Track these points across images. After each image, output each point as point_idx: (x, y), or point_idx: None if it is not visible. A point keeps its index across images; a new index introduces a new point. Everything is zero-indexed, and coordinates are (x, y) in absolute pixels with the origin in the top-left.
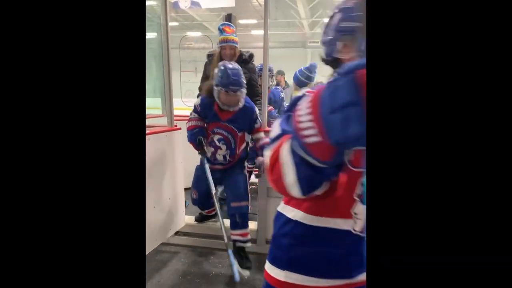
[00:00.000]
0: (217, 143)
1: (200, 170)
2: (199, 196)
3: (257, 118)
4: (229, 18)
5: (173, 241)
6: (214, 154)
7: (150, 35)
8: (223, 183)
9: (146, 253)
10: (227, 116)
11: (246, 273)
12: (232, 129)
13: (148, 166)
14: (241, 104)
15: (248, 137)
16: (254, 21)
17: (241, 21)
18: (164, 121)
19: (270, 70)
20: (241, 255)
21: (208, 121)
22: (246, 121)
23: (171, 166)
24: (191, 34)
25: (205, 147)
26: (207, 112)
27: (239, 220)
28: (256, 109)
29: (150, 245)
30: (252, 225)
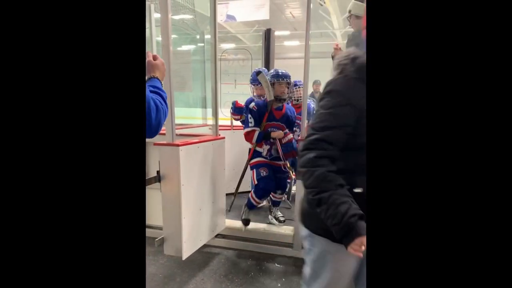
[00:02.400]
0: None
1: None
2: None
3: (295, 122)
4: (268, 32)
5: (214, 243)
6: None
7: (189, 47)
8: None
9: (192, 252)
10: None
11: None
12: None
13: (196, 172)
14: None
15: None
16: (287, 32)
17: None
18: (204, 130)
19: (296, 84)
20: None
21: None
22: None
23: (215, 173)
24: (224, 46)
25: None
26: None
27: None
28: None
29: (194, 246)
30: (289, 230)
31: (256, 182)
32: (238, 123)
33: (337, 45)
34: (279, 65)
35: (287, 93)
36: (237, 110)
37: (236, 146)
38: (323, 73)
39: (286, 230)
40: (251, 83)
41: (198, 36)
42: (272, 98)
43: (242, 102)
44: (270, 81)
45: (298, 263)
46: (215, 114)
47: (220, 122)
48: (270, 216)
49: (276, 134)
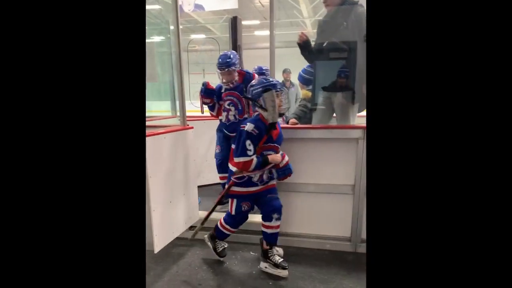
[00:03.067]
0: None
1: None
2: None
3: None
4: (234, 21)
5: (188, 235)
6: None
7: (157, 38)
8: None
9: (164, 245)
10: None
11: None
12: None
13: (164, 163)
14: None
15: None
16: (257, 22)
17: (244, 23)
18: (175, 122)
19: (263, 73)
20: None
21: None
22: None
23: (185, 164)
24: (194, 36)
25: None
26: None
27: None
28: None
29: (167, 239)
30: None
31: (233, 213)
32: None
33: (302, 33)
34: (248, 55)
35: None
36: (207, 92)
37: (208, 136)
38: (293, 61)
39: (259, 218)
40: (218, 67)
41: (166, 27)
42: (276, 119)
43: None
44: (263, 89)
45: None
46: (182, 104)
47: (191, 114)
48: (264, 264)
49: (275, 158)
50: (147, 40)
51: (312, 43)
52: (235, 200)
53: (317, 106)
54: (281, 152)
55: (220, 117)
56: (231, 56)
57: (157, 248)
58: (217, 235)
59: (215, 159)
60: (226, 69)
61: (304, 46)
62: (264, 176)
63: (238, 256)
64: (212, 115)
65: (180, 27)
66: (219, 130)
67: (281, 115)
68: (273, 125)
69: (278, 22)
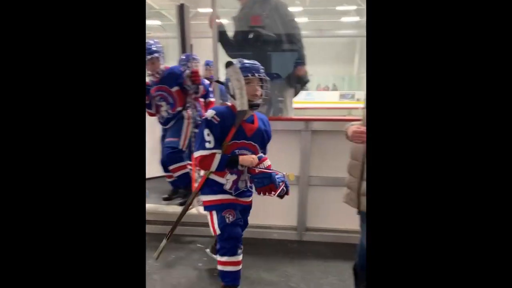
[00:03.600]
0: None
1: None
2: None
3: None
4: (181, 8)
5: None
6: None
7: None
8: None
9: None
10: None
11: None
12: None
13: None
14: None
15: None
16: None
17: (200, 10)
18: None
19: (208, 64)
20: None
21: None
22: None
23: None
24: (149, 23)
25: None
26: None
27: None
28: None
29: None
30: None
31: (217, 232)
32: None
33: (212, 18)
34: (198, 45)
35: (261, 95)
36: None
37: (157, 128)
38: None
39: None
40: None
41: None
42: (245, 107)
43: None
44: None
45: (300, 246)
46: None
47: None
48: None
49: (248, 160)
50: None
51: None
52: (214, 213)
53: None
54: (260, 155)
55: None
56: (152, 42)
57: None
58: (226, 281)
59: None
60: (148, 57)
61: (220, 35)
62: (240, 184)
63: (185, 249)
64: (150, 114)
65: None
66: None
67: (253, 106)
68: (242, 114)
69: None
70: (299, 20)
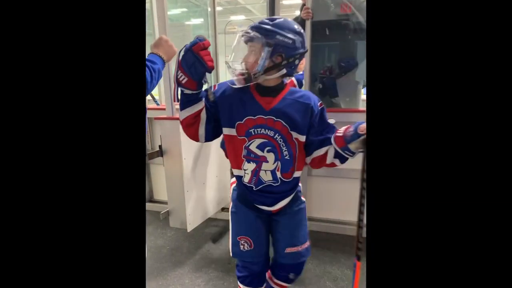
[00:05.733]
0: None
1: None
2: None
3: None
4: (272, 0)
5: (221, 216)
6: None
7: (196, 21)
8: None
9: (197, 225)
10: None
11: None
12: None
13: (197, 145)
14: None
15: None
16: (299, 1)
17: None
18: None
19: None
20: None
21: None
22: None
23: (218, 146)
24: (234, 18)
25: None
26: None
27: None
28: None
29: (199, 218)
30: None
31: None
32: None
33: (307, 9)
34: None
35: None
36: None
37: None
38: None
39: None
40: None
41: (209, 9)
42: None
43: None
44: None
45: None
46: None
47: None
48: None
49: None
50: (186, 23)
51: None
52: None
53: None
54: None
55: None
56: None
57: (190, 227)
58: None
59: None
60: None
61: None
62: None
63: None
64: None
65: (220, 8)
66: None
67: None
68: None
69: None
70: None
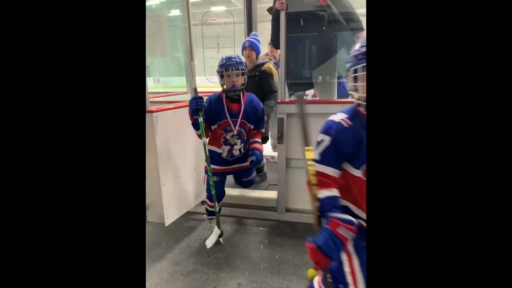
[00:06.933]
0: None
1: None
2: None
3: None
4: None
5: (200, 210)
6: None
7: (174, 12)
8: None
9: (175, 219)
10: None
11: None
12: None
13: (174, 139)
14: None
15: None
16: None
17: None
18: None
19: None
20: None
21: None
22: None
23: (195, 139)
24: (214, 9)
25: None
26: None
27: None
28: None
29: (177, 212)
30: (273, 194)
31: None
32: None
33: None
34: (263, 28)
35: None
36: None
37: None
38: None
39: (270, 194)
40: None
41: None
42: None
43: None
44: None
45: (281, 226)
46: (191, 80)
47: (204, 90)
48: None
49: None
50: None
51: None
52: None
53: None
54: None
55: None
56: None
57: (167, 221)
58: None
59: None
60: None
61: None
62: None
63: (247, 231)
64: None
65: None
66: None
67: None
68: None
69: None
70: None
